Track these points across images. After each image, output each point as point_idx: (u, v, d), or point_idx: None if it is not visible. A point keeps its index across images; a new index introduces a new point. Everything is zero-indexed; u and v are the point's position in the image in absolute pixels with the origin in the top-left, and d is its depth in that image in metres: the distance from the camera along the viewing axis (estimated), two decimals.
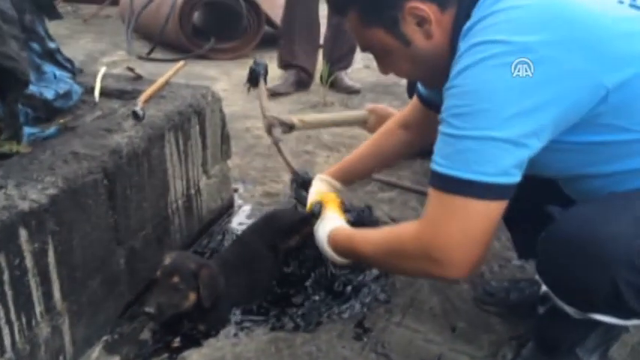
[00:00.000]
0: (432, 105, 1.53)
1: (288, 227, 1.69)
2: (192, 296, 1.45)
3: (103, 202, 1.41)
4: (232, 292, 1.55)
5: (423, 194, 2.34)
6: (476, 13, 1.11)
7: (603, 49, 1.03)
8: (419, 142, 1.71)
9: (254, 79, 2.34)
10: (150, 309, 1.39)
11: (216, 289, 1.49)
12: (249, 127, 3.05)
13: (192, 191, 1.86)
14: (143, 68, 2.06)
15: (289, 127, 2.23)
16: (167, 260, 1.47)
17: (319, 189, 1.68)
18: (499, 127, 1.04)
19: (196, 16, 4.76)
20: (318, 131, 3.10)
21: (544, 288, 1.15)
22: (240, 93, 3.72)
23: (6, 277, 1.13)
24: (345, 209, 1.60)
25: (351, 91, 3.68)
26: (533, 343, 1.42)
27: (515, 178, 1.07)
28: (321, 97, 3.61)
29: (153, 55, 4.43)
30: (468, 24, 1.11)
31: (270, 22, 4.68)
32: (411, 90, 2.83)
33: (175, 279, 1.43)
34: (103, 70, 2.00)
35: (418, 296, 1.69)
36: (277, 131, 2.19)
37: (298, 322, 1.56)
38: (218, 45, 4.54)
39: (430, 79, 1.36)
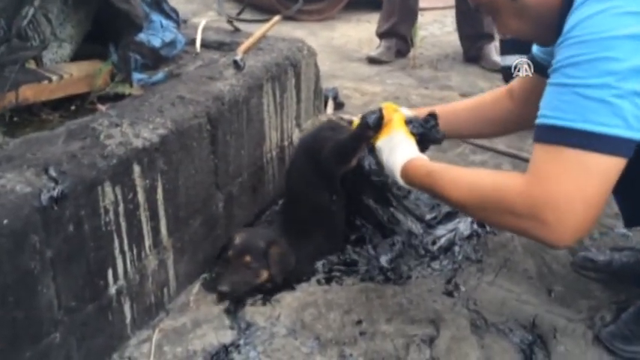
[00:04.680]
0: (544, 68, 1.47)
1: (339, 151, 1.50)
2: (265, 273, 1.46)
3: (205, 146, 1.46)
4: (310, 248, 1.57)
5: (517, 158, 2.27)
6: None
7: None
8: (520, 114, 1.58)
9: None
10: (224, 287, 1.42)
11: (287, 266, 1.50)
12: (338, 88, 3.04)
13: (286, 143, 1.88)
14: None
15: (349, 123, 2.31)
16: (237, 239, 1.48)
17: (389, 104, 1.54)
18: (622, 76, 0.98)
19: None
20: (407, 92, 3.05)
21: None
22: (327, 54, 3.71)
23: (121, 209, 1.20)
24: (407, 120, 1.46)
25: (497, 70, 3.06)
26: (636, 311, 1.35)
27: (638, 133, 1.00)
28: (410, 58, 3.55)
29: (242, 16, 4.49)
30: None
31: None
32: (506, 76, 2.69)
33: (247, 258, 1.45)
34: (203, 22, 2.04)
35: (512, 257, 1.64)
36: None
37: (388, 275, 1.57)
38: (305, 6, 4.53)
39: (539, 35, 1.29)
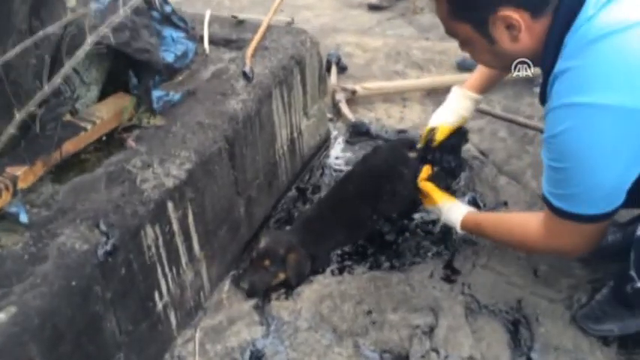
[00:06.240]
0: None
1: (397, 206, 1.79)
2: (282, 275, 1.68)
3: (225, 164, 1.62)
4: (330, 242, 1.78)
5: (513, 122, 2.40)
6: (569, 46, 1.18)
7: None
8: None
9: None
10: (244, 285, 1.67)
11: (303, 272, 1.71)
12: (340, 44, 3.10)
13: (295, 135, 2.03)
14: None
15: (352, 93, 2.57)
16: (262, 243, 1.70)
17: (455, 108, 1.81)
18: (599, 181, 1.20)
19: None
20: (407, 45, 3.12)
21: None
22: (329, 0, 3.71)
23: (160, 242, 1.40)
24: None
25: None
26: (609, 292, 1.56)
27: (622, 198, 1.23)
28: (410, 2, 3.56)
29: None
30: (560, 66, 1.19)
31: None
32: None
33: (266, 262, 1.67)
34: (207, 15, 2.12)
35: (495, 244, 1.83)
36: (340, 95, 2.55)
37: (393, 263, 1.78)
38: None
39: (507, 70, 1.43)
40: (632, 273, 1.33)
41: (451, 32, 1.35)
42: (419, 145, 1.83)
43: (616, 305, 1.52)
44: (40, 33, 1.16)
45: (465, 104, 1.82)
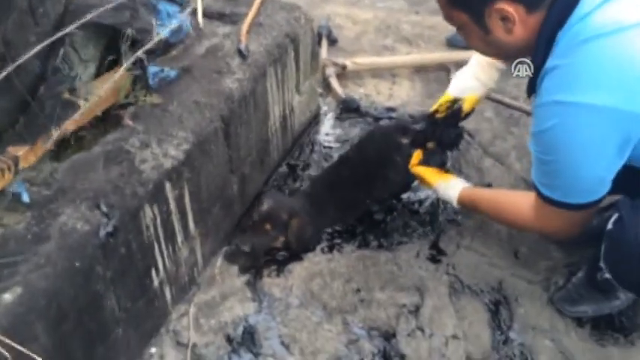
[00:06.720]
0: None
1: (392, 193, 1.88)
2: (282, 239, 1.73)
3: (221, 144, 1.64)
4: (322, 222, 1.82)
5: (500, 103, 2.44)
6: (561, 43, 1.21)
7: None
8: None
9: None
10: (245, 247, 1.71)
11: (304, 238, 1.75)
12: (330, 15, 3.08)
13: (287, 112, 2.05)
14: None
15: (342, 68, 2.57)
16: (265, 205, 1.73)
17: (482, 78, 1.73)
18: (585, 174, 1.27)
19: None
20: (397, 19, 3.11)
21: (607, 276, 1.42)
22: None
23: (158, 221, 1.43)
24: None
25: None
26: (584, 277, 1.64)
27: (607, 188, 1.29)
28: None
29: None
30: (551, 63, 1.22)
31: None
32: None
33: (267, 226, 1.71)
34: None
35: (487, 219, 1.90)
36: (330, 70, 2.55)
37: (381, 242, 1.84)
38: None
39: (502, 58, 1.51)
40: (602, 264, 1.41)
41: (448, 18, 1.38)
42: (438, 115, 1.77)
43: (590, 289, 1.61)
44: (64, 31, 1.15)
45: (491, 74, 1.73)
